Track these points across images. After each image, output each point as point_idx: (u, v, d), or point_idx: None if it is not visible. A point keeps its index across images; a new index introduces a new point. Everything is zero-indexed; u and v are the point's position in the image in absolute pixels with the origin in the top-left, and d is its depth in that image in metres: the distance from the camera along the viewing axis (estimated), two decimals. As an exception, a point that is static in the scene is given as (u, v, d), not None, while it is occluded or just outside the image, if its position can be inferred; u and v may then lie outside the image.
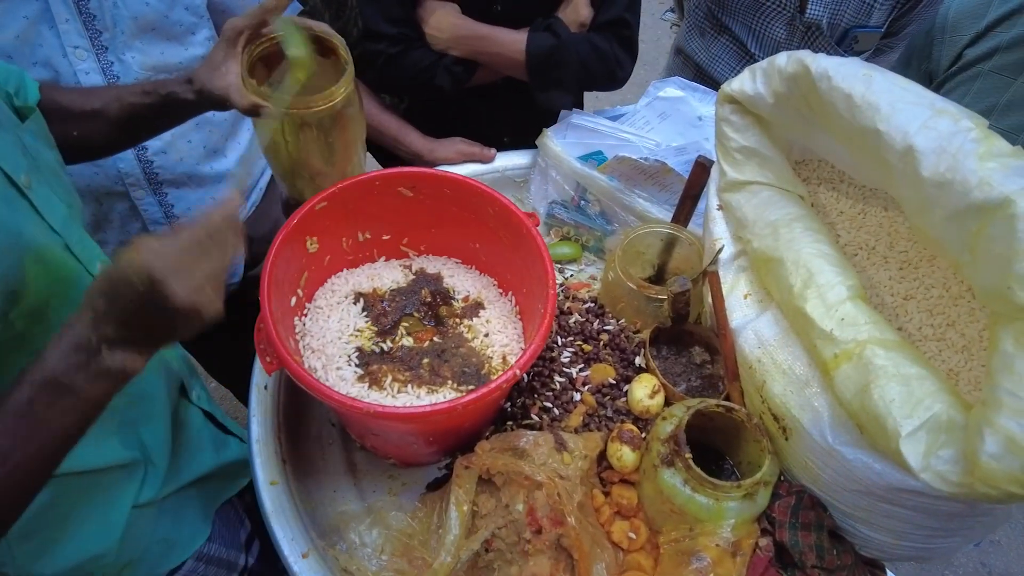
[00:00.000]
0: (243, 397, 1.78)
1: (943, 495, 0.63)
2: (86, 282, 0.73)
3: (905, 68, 1.29)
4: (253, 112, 0.80)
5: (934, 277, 0.83)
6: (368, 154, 1.58)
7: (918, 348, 0.80)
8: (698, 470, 0.79)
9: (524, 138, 1.24)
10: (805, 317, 0.76)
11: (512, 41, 1.22)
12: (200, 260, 0.57)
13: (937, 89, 1.20)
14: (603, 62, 1.26)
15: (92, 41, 0.94)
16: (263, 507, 0.87)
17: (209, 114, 1.11)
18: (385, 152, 1.42)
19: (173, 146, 1.08)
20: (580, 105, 1.56)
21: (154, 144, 1.05)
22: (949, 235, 0.69)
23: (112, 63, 0.98)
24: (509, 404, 0.97)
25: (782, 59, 0.84)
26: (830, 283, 0.77)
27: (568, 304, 1.10)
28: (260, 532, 1.07)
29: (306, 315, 0.92)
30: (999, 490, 0.56)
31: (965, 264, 0.70)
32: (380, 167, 1.16)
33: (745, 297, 0.89)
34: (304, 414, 1.01)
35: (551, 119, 1.27)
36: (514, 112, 1.35)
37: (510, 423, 0.95)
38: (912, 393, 0.66)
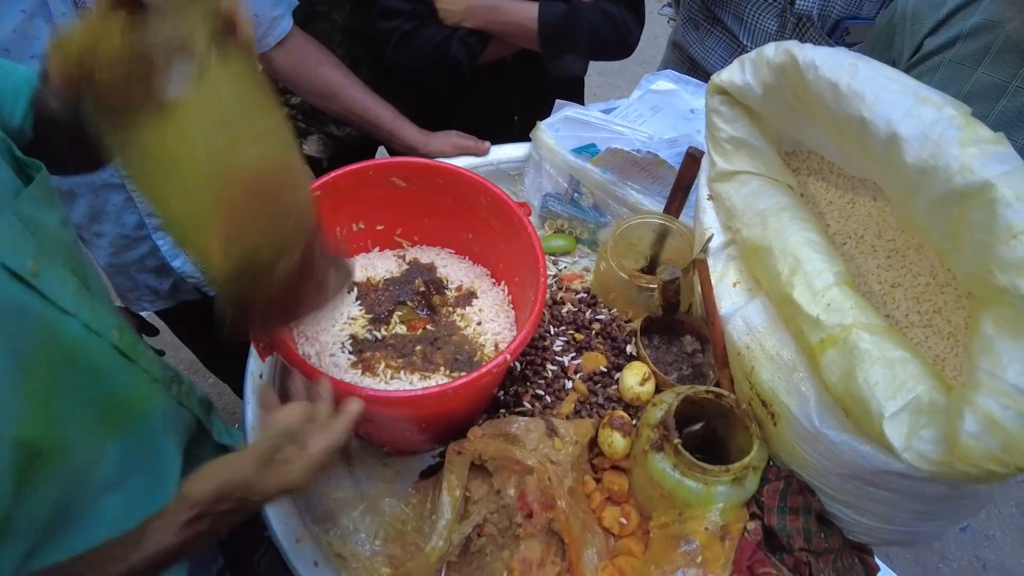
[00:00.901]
0: (241, 391, 1.79)
1: (925, 475, 0.64)
2: (104, 352, 0.72)
3: (869, 53, 1.30)
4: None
5: (921, 265, 0.84)
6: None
7: (904, 334, 0.81)
8: (687, 454, 0.80)
9: (534, 117, 1.25)
10: (792, 303, 0.77)
11: (524, 9, 1.25)
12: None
13: None
14: (613, 27, 1.29)
15: None
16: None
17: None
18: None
19: None
20: (582, 99, 1.58)
21: None
22: (933, 222, 0.70)
23: None
24: (502, 392, 0.98)
25: (770, 50, 0.85)
26: (817, 270, 0.78)
27: (561, 294, 1.11)
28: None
29: (300, 303, 0.93)
30: (978, 468, 0.57)
31: (948, 250, 0.71)
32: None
33: (734, 285, 0.90)
34: (299, 403, 1.02)
35: (562, 95, 1.29)
36: (525, 89, 1.37)
37: (503, 411, 0.96)
38: (896, 376, 0.67)
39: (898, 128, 0.69)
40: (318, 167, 1.57)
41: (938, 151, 0.66)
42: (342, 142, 1.60)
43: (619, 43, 1.33)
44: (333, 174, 0.88)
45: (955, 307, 0.79)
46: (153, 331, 1.32)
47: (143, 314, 1.35)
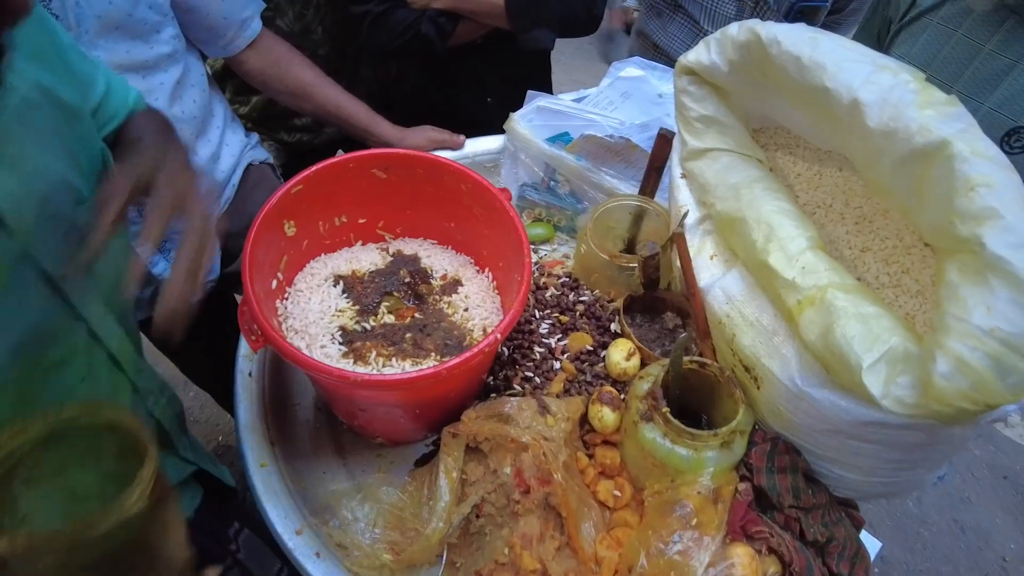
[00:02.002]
0: (225, 401, 1.78)
1: (903, 421, 0.68)
2: (98, 358, 0.74)
3: (872, 13, 1.35)
4: None
5: (888, 229, 0.88)
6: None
7: (877, 294, 0.84)
8: (676, 422, 0.82)
9: (508, 100, 1.28)
10: (769, 269, 0.80)
11: None
12: None
13: (893, 37, 1.25)
14: None
15: None
16: (254, 489, 0.89)
17: (179, 110, 1.13)
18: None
19: None
20: (549, 77, 1.62)
21: None
22: (897, 181, 0.74)
23: None
24: (492, 378, 1.00)
25: (733, 29, 0.89)
26: (790, 235, 0.81)
27: (544, 280, 1.13)
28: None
29: (287, 298, 0.94)
30: (952, 407, 0.61)
31: (913, 208, 0.74)
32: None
33: (711, 258, 0.93)
34: (290, 400, 1.03)
35: (533, 76, 1.32)
36: (498, 71, 1.41)
37: (493, 395, 0.97)
38: (871, 330, 0.70)
39: (859, 94, 0.72)
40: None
41: (897, 114, 0.69)
42: (293, 148, 1.60)
43: (586, 12, 1.37)
44: (314, 168, 0.89)
45: (921, 267, 0.83)
46: None
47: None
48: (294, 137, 1.58)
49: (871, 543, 2.06)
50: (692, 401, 0.94)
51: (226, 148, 1.28)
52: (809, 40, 0.79)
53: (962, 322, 0.61)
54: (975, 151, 0.64)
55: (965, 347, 0.60)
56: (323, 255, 1.01)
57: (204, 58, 1.24)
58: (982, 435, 2.32)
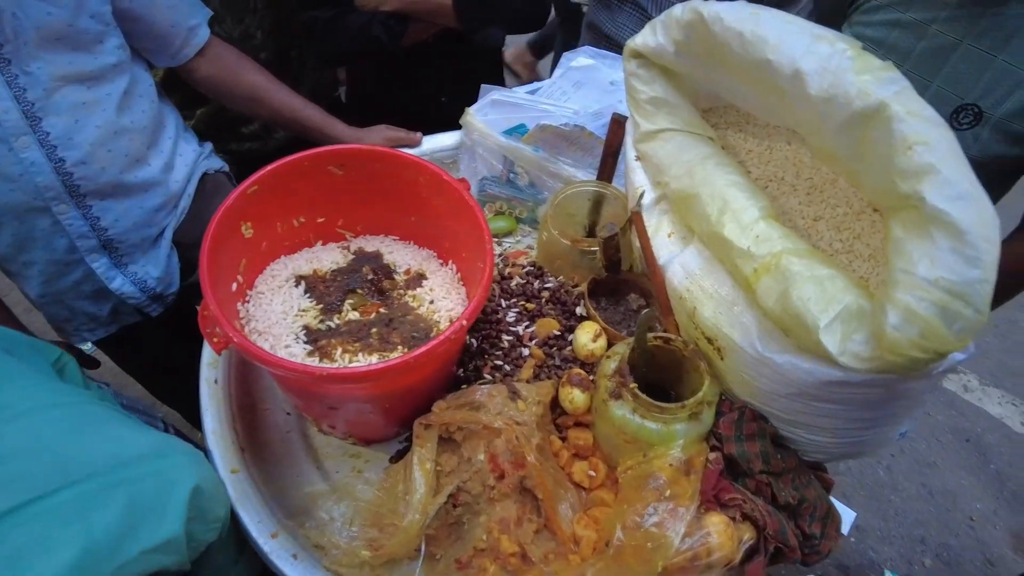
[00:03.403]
0: (192, 417, 1.74)
1: (862, 378, 0.70)
2: None
3: None
4: None
5: (838, 197, 0.90)
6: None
7: (830, 257, 0.87)
8: (645, 397, 0.83)
9: (462, 97, 1.28)
10: (724, 241, 0.82)
11: None
12: None
13: (848, 17, 1.29)
14: None
15: None
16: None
17: (128, 121, 1.10)
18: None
19: (94, 156, 1.06)
20: (501, 73, 1.64)
21: (72, 155, 1.03)
22: (841, 146, 0.76)
23: (17, 76, 0.96)
24: (462, 369, 1.00)
25: (677, 10, 0.90)
26: (743, 207, 0.83)
27: (508, 270, 1.13)
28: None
29: (248, 301, 0.93)
30: (904, 356, 0.63)
31: (858, 171, 0.77)
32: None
33: (669, 236, 0.95)
34: (258, 406, 1.02)
35: (485, 73, 1.33)
36: (450, 69, 1.42)
37: (464, 387, 0.97)
38: (825, 291, 0.72)
39: (800, 64, 0.75)
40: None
41: (837, 80, 0.72)
42: (244, 157, 1.59)
43: (533, 11, 1.38)
44: (270, 167, 0.88)
45: (872, 231, 0.86)
46: (94, 364, 1.28)
47: (83, 346, 1.30)
48: (243, 146, 1.57)
49: (846, 513, 2.11)
50: (660, 378, 0.96)
51: (179, 158, 1.26)
52: (751, 15, 0.82)
53: (909, 275, 0.63)
54: (910, 111, 0.67)
55: (913, 298, 0.62)
56: (283, 256, 1.00)
57: (151, 67, 1.22)
58: (944, 401, 2.39)
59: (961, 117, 1.17)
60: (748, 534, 0.83)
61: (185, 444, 0.79)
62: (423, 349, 0.74)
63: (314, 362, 0.86)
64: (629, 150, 1.05)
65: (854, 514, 2.05)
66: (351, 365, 0.85)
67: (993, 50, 1.11)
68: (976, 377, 2.48)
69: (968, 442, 2.28)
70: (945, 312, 0.61)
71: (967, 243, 0.61)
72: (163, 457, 0.73)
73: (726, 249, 0.82)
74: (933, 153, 0.64)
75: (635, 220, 0.91)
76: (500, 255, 1.22)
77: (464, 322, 0.78)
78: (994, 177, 1.23)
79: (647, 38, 0.96)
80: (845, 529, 2.03)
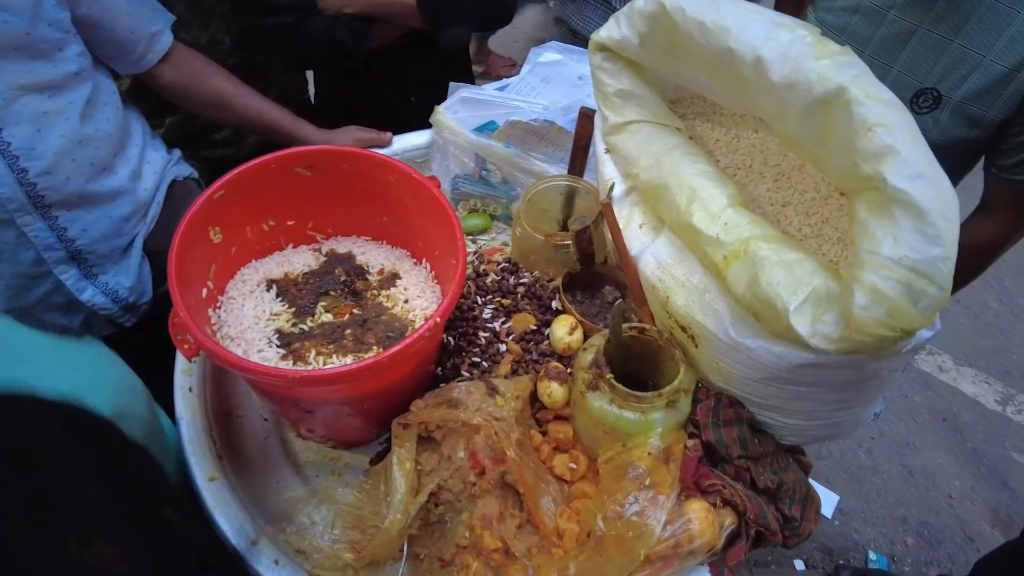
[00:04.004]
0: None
1: (834, 359, 0.71)
2: None
3: None
4: None
5: (805, 183, 0.91)
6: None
7: (798, 242, 0.88)
8: (621, 387, 0.83)
9: (431, 96, 1.28)
10: (693, 229, 0.82)
11: None
12: None
13: (811, 3, 1.30)
14: None
15: None
16: (204, 503, 0.86)
17: (92, 129, 1.08)
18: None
19: (58, 166, 1.04)
20: (470, 70, 1.63)
21: (36, 165, 1.01)
22: (804, 131, 0.77)
23: None
24: (440, 368, 0.99)
25: (640, 1, 0.91)
26: (711, 195, 0.83)
27: (483, 267, 1.13)
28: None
29: (219, 307, 0.92)
30: (872, 336, 0.64)
31: (822, 156, 0.78)
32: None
33: (640, 227, 0.95)
34: (234, 412, 1.00)
35: (450, 70, 1.32)
36: (418, 69, 1.41)
37: (443, 385, 0.97)
38: (794, 274, 0.73)
39: (761, 52, 0.75)
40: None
41: (798, 66, 0.73)
42: (217, 164, 1.57)
43: (498, 8, 1.38)
44: (236, 171, 0.88)
45: (840, 215, 0.87)
46: None
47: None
48: (215, 152, 1.55)
49: (830, 497, 2.15)
50: (637, 369, 0.96)
51: (147, 165, 1.24)
52: (711, 5, 0.82)
53: (874, 255, 0.64)
54: (869, 95, 0.68)
55: (879, 277, 0.63)
56: (254, 261, 0.99)
57: (116, 76, 1.20)
58: (920, 382, 2.43)
59: (921, 101, 1.19)
60: (729, 519, 0.84)
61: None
62: (397, 348, 0.74)
63: (287, 365, 0.85)
64: (598, 143, 1.06)
65: (837, 497, 2.09)
66: (325, 367, 0.85)
67: (949, 35, 1.13)
68: (950, 357, 2.53)
69: (945, 421, 2.32)
70: (910, 290, 0.62)
71: (928, 222, 0.62)
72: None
73: (696, 237, 0.83)
74: (892, 134, 0.65)
75: (605, 212, 0.91)
76: (475, 252, 1.22)
77: (438, 319, 0.78)
78: (955, 160, 1.25)
79: (611, 31, 0.96)
80: (829, 512, 2.07)
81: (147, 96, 1.31)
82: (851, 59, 0.72)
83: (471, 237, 1.29)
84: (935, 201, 0.63)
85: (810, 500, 0.90)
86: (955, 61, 1.13)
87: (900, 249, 0.62)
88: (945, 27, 1.13)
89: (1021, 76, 1.09)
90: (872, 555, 1.97)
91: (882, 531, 2.04)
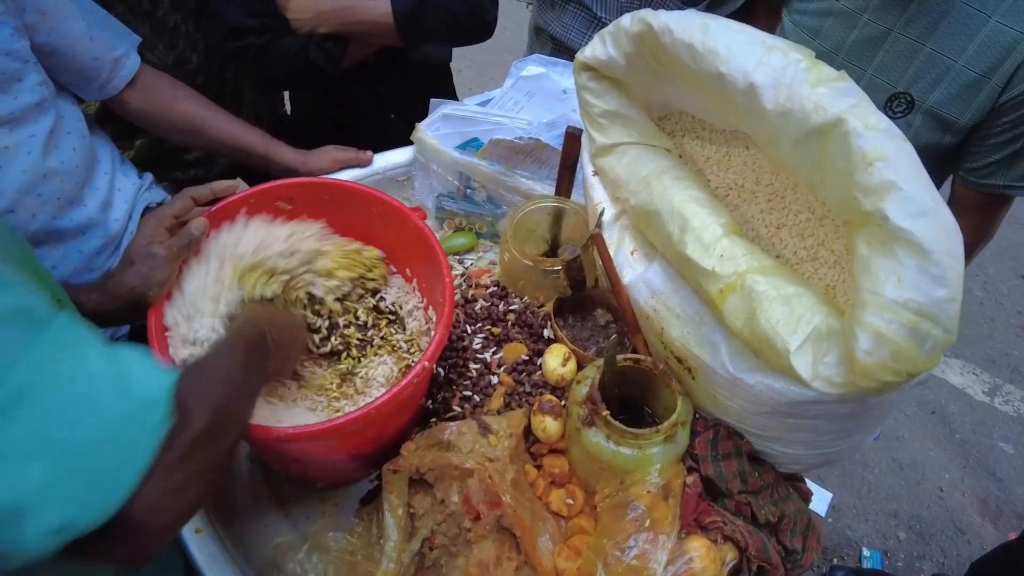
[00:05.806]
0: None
1: (834, 398, 0.69)
2: None
3: None
4: None
5: (799, 203, 0.89)
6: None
7: (795, 270, 0.86)
8: (617, 424, 0.81)
9: (409, 113, 1.24)
10: (687, 260, 0.80)
11: (375, 6, 1.23)
12: None
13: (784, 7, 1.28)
14: (469, 7, 1.30)
15: None
16: (193, 559, 0.83)
17: (56, 162, 1.03)
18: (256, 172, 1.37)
19: (21, 203, 0.99)
20: (452, 86, 1.59)
21: None
22: (799, 159, 0.74)
23: None
24: (430, 402, 0.96)
25: (626, 20, 0.88)
26: (704, 224, 0.81)
27: (472, 292, 1.10)
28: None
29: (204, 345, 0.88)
30: (876, 381, 0.62)
31: (818, 184, 0.75)
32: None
33: (632, 253, 0.93)
34: (218, 455, 0.97)
35: (431, 86, 1.28)
36: (394, 86, 1.36)
37: (433, 420, 0.94)
38: (794, 311, 0.70)
39: (753, 78, 0.73)
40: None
41: (792, 94, 0.70)
42: (187, 185, 1.52)
43: (477, 23, 1.34)
44: (215, 207, 0.84)
45: (835, 237, 0.85)
46: None
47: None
48: (188, 173, 1.49)
49: (823, 494, 2.14)
50: (633, 394, 0.94)
51: (118, 193, 1.19)
52: (700, 26, 0.79)
53: (876, 295, 0.62)
54: (868, 125, 0.65)
55: (882, 320, 0.61)
56: (234, 299, 0.95)
57: (80, 101, 1.15)
58: (908, 375, 2.44)
59: (895, 105, 1.18)
60: (731, 555, 0.82)
61: None
62: (383, 399, 0.71)
63: (273, 406, 0.82)
64: (586, 164, 1.03)
65: (830, 495, 2.10)
66: (298, 404, 0.82)
67: (921, 38, 1.12)
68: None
69: (934, 414, 2.34)
70: (915, 333, 0.60)
71: (932, 262, 0.60)
72: None
73: (690, 268, 0.80)
74: (893, 168, 0.63)
75: (596, 242, 0.88)
76: (463, 274, 1.19)
77: (426, 363, 0.75)
78: (929, 165, 1.24)
79: (597, 50, 0.93)
80: (822, 510, 2.06)
81: (115, 118, 1.26)
82: (848, 86, 0.70)
83: (458, 257, 1.26)
84: (939, 239, 0.60)
85: (811, 529, 0.89)
86: (927, 65, 1.12)
87: (904, 291, 0.60)
88: (917, 31, 1.11)
89: (992, 82, 1.08)
90: (865, 551, 1.98)
91: (875, 526, 2.05)
